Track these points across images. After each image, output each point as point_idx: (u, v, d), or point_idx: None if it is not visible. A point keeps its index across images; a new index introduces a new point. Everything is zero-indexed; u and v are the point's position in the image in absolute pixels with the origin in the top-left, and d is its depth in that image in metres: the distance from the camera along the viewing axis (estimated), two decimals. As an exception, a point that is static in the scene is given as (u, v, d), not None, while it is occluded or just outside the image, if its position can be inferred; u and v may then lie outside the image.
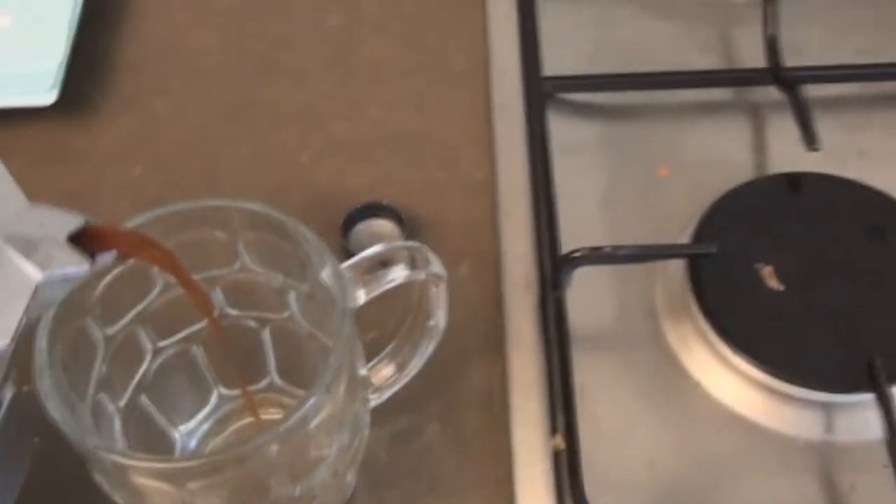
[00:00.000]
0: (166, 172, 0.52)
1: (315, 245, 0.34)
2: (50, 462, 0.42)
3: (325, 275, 0.34)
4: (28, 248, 0.27)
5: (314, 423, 0.31)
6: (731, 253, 0.44)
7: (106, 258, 0.29)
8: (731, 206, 0.46)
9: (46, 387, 0.30)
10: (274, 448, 0.30)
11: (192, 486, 0.30)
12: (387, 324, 0.45)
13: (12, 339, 0.27)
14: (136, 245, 0.32)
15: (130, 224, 0.34)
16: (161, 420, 0.38)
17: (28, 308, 0.27)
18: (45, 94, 0.51)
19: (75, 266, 0.28)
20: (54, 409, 0.30)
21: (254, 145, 0.53)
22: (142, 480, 0.30)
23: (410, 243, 0.36)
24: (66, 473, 0.41)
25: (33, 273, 0.27)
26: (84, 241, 0.28)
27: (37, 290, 0.27)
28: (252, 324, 0.40)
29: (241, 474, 0.30)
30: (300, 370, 0.40)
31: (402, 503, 0.41)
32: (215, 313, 0.39)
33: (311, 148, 0.53)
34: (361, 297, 0.35)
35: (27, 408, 0.43)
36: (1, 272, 0.27)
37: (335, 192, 0.51)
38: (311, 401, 0.30)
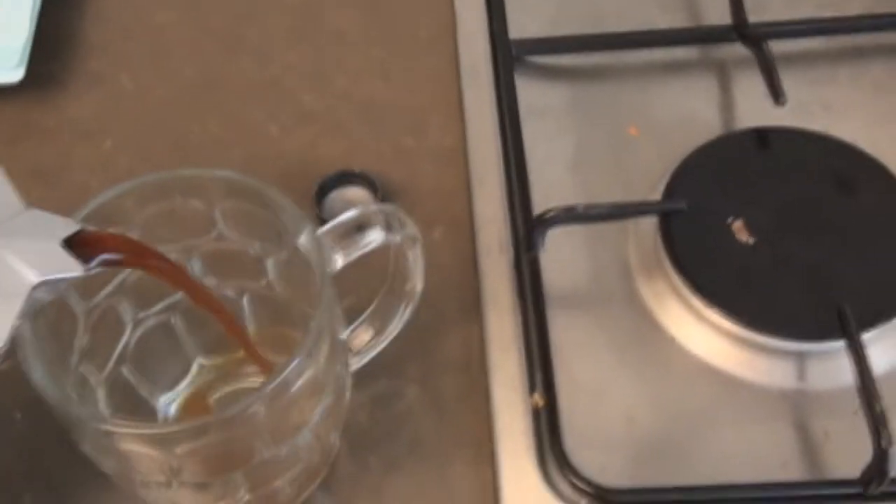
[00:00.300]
0: (136, 147, 0.52)
1: (291, 211, 0.34)
2: (31, 438, 0.42)
3: (303, 241, 0.35)
4: (25, 251, 0.28)
5: (297, 386, 0.31)
6: (701, 208, 0.45)
7: (100, 262, 0.30)
8: (700, 162, 0.47)
9: (31, 359, 0.30)
10: (258, 411, 0.30)
11: (179, 450, 0.30)
12: (362, 290, 0.45)
13: (7, 342, 0.27)
14: (136, 252, 0.32)
15: (108, 195, 0.34)
16: (143, 390, 0.38)
17: (23, 310, 0.27)
18: (11, 72, 0.50)
19: (70, 270, 0.29)
20: (40, 379, 0.30)
21: (222, 119, 0.53)
22: (130, 447, 0.30)
23: (385, 206, 0.36)
24: (48, 450, 0.42)
25: (30, 276, 0.28)
26: (78, 245, 0.29)
27: (31, 293, 0.28)
28: (230, 293, 0.40)
29: (227, 437, 0.31)
30: (279, 337, 0.40)
31: (383, 465, 0.42)
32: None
33: (279, 120, 0.53)
34: (339, 261, 0.35)
35: (7, 384, 0.43)
36: None
37: (306, 162, 0.51)
38: (294, 363, 0.31)
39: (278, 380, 0.30)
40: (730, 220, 0.45)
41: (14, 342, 0.28)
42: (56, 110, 0.53)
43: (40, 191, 0.49)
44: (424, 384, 0.44)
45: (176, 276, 0.34)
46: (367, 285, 0.45)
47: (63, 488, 0.41)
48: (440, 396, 0.44)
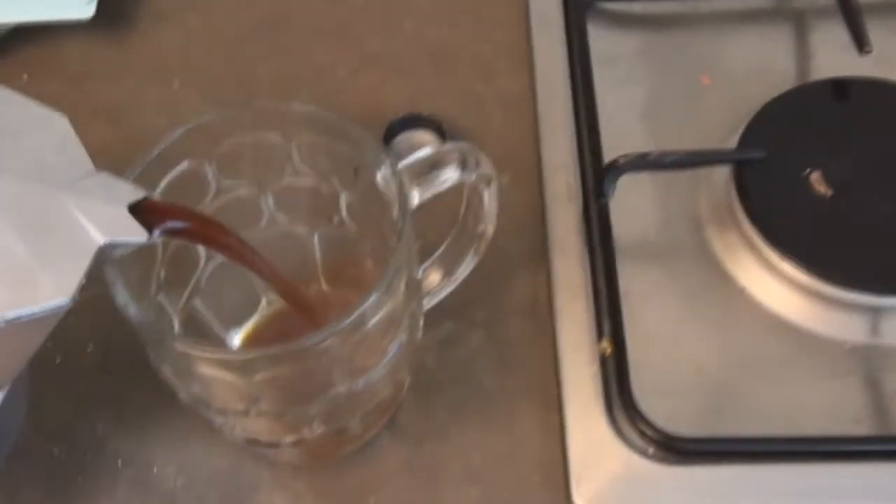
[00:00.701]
0: (204, 87, 0.51)
1: (372, 145, 0.34)
2: (104, 369, 0.43)
3: (380, 176, 0.34)
4: (93, 212, 0.28)
5: (375, 320, 0.31)
6: (778, 158, 0.44)
7: (164, 230, 0.30)
8: (777, 111, 0.46)
9: (118, 284, 0.30)
10: (334, 343, 0.30)
11: (258, 378, 0.30)
12: (430, 233, 0.45)
13: (72, 298, 0.27)
14: (202, 225, 0.32)
15: (182, 129, 0.34)
16: (214, 323, 0.38)
17: (90, 269, 0.28)
18: (82, 9, 0.50)
19: (135, 236, 0.29)
20: (125, 302, 0.30)
21: (289, 60, 0.53)
22: (211, 373, 0.30)
23: (461, 144, 0.36)
24: (121, 380, 0.42)
25: (97, 237, 0.28)
26: (144, 212, 0.29)
27: (97, 254, 0.28)
28: (301, 230, 0.40)
29: (304, 368, 0.31)
30: (348, 277, 0.40)
31: (449, 409, 0.42)
32: (262, 222, 0.39)
33: (347, 63, 0.53)
34: (415, 198, 0.35)
35: (80, 316, 0.44)
36: (68, 232, 0.28)
37: (373, 105, 0.51)
38: (372, 298, 0.30)
39: (356, 313, 0.30)
40: (807, 171, 0.44)
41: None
42: (124, 49, 0.53)
43: (108, 131, 0.49)
44: (490, 329, 0.44)
45: (242, 253, 0.33)
46: (436, 228, 0.45)
47: (136, 417, 0.41)
48: (506, 341, 0.44)
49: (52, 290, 0.26)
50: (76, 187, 0.28)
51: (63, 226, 0.27)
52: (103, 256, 0.28)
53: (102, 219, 0.28)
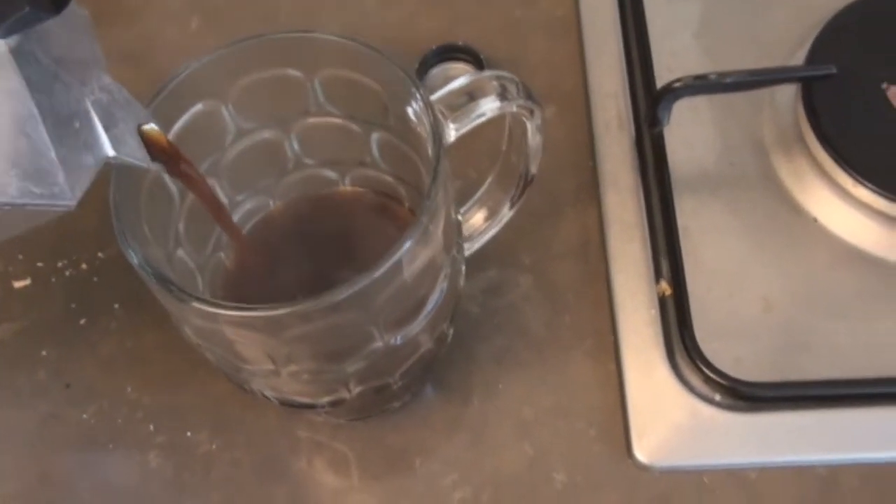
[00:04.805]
0: (224, 25, 0.49)
1: (402, 76, 0.30)
2: (131, 328, 0.41)
3: (412, 111, 0.31)
4: (107, 121, 0.27)
5: (411, 269, 0.28)
6: (850, 73, 0.40)
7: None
8: (847, 23, 0.41)
9: (133, 243, 0.28)
10: (367, 294, 0.27)
11: (289, 334, 0.28)
12: (469, 173, 0.42)
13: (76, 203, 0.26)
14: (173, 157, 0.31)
15: (194, 65, 0.31)
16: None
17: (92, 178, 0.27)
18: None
19: (139, 159, 0.28)
20: (144, 258, 0.28)
21: (314, -7, 0.49)
22: (237, 332, 0.28)
23: (500, 72, 0.32)
24: (148, 339, 0.40)
25: (107, 148, 0.27)
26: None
27: (100, 166, 0.27)
28: (330, 174, 0.37)
29: (338, 322, 0.28)
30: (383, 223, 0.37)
31: (497, 359, 0.39)
32: (289, 165, 0.36)
33: (374, -8, 0.49)
34: (451, 133, 0.31)
35: (106, 277, 0.42)
36: (87, 133, 0.27)
37: (406, 36, 0.47)
38: (408, 243, 0.27)
39: (390, 262, 0.27)
40: (884, 85, 0.40)
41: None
42: (139, -10, 0.50)
43: (126, 73, 0.45)
44: (539, 273, 0.41)
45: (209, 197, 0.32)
46: (477, 166, 0.42)
47: (166, 380, 0.39)
48: (556, 286, 0.40)
49: (62, 188, 0.25)
50: (98, 91, 0.27)
51: (83, 126, 0.27)
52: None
53: (113, 132, 0.27)
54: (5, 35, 0.25)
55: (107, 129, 0.27)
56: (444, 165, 0.29)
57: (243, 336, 0.28)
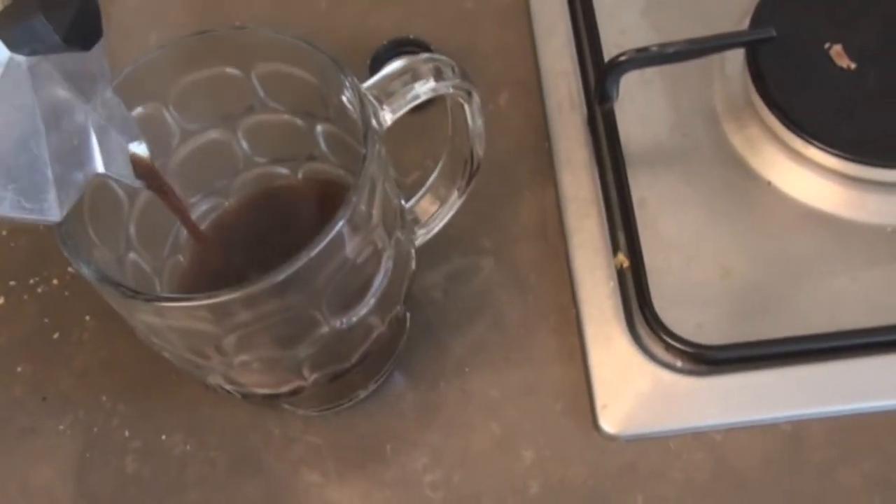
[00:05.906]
0: (172, 28, 0.49)
1: (329, 63, 0.31)
2: (103, 338, 0.41)
3: (346, 98, 0.32)
4: (102, 138, 0.28)
5: (351, 247, 0.29)
6: (793, 35, 0.40)
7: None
8: (788, -14, 0.42)
9: (79, 248, 0.29)
10: (309, 274, 0.28)
11: (236, 321, 0.28)
12: (428, 164, 0.42)
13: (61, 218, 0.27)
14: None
15: (141, 60, 0.32)
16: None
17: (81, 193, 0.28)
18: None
19: (125, 177, 0.29)
20: (87, 259, 0.28)
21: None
22: (183, 324, 0.28)
23: (434, 55, 0.33)
24: (121, 348, 0.41)
25: (98, 164, 0.28)
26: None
27: (90, 180, 0.28)
28: (282, 170, 0.37)
29: (282, 307, 0.28)
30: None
31: (464, 343, 0.39)
32: (239, 165, 0.37)
33: (328, -8, 0.50)
34: (387, 117, 0.32)
35: (77, 291, 0.42)
36: (81, 147, 0.27)
37: (359, 34, 0.48)
38: (340, 223, 0.28)
39: (327, 240, 0.28)
40: (827, 45, 0.40)
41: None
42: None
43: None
44: (500, 255, 0.41)
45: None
46: (435, 158, 0.42)
47: (139, 386, 0.40)
48: (518, 266, 0.41)
49: (51, 204, 0.26)
50: (100, 107, 0.28)
51: (80, 144, 0.27)
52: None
53: (107, 149, 0.28)
54: (29, 55, 0.25)
55: (102, 145, 0.28)
56: (375, 147, 0.30)
57: (191, 328, 0.29)
